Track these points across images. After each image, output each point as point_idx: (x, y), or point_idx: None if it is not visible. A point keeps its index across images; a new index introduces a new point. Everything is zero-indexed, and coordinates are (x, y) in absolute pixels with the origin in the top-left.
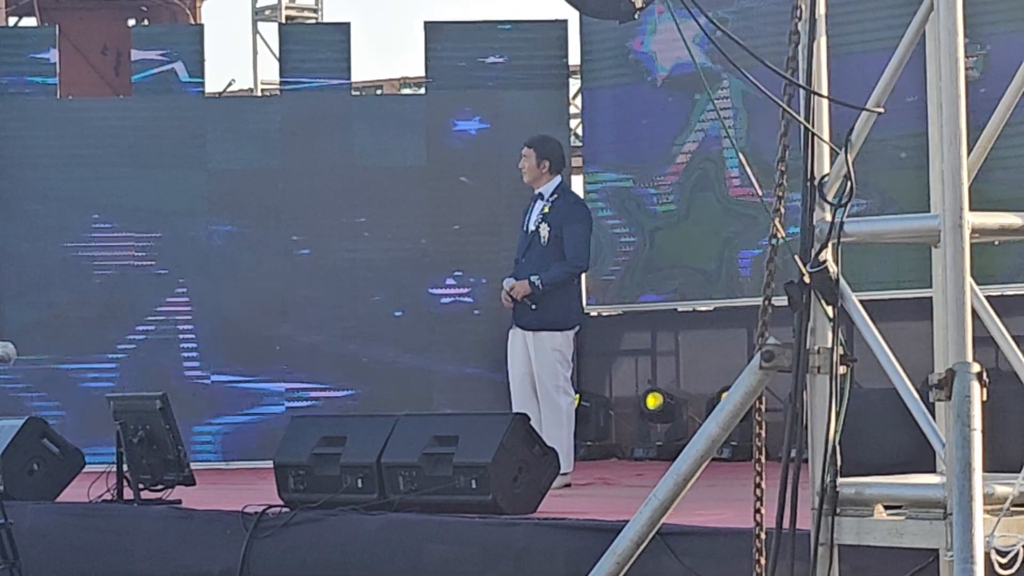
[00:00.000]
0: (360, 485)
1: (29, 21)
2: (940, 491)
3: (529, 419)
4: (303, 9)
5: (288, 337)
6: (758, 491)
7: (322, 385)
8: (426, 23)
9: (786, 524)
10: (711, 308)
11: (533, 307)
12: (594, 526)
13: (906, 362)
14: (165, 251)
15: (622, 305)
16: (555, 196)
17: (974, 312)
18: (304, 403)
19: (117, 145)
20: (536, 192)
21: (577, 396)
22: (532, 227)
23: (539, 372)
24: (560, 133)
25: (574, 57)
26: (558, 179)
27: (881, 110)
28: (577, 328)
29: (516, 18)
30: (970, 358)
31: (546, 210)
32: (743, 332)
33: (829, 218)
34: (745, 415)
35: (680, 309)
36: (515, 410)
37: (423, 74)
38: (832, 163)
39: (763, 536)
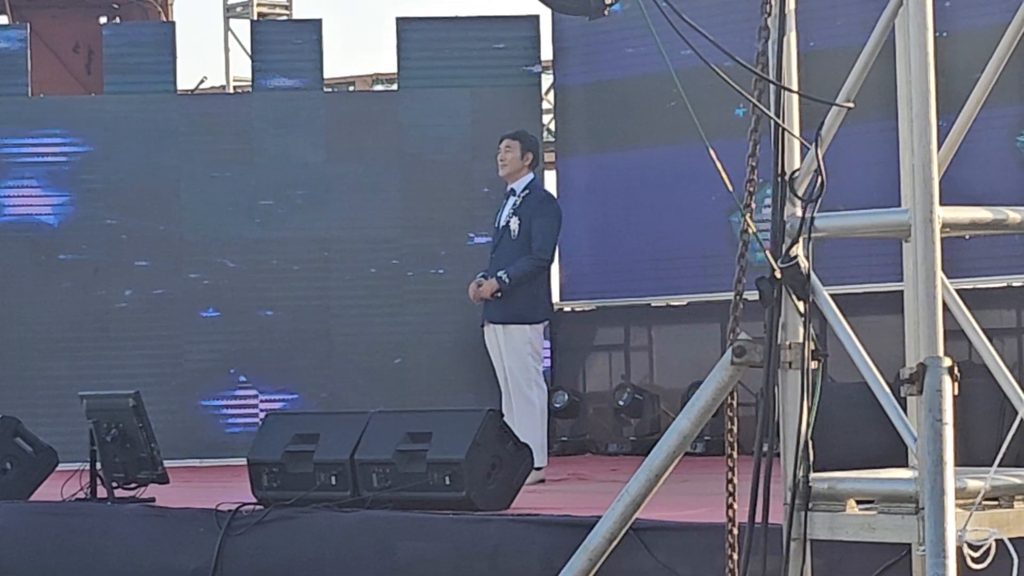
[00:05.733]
0: (334, 482)
1: (0, 19)
2: (912, 485)
3: (502, 415)
4: (275, 6)
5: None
6: (730, 486)
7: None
8: (398, 19)
9: (759, 519)
10: (685, 303)
11: (499, 294)
12: (568, 522)
13: (881, 356)
14: (139, 248)
15: (595, 300)
16: (527, 192)
17: (945, 306)
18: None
19: (89, 143)
20: (509, 188)
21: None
22: (504, 222)
23: (510, 366)
24: (532, 128)
25: (546, 52)
26: (531, 175)
27: (851, 105)
28: (547, 322)
29: (488, 14)
30: (941, 352)
31: (518, 204)
32: (716, 327)
33: (800, 213)
34: (718, 410)
35: (653, 304)
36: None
37: (395, 70)
38: (803, 158)
39: (736, 531)
